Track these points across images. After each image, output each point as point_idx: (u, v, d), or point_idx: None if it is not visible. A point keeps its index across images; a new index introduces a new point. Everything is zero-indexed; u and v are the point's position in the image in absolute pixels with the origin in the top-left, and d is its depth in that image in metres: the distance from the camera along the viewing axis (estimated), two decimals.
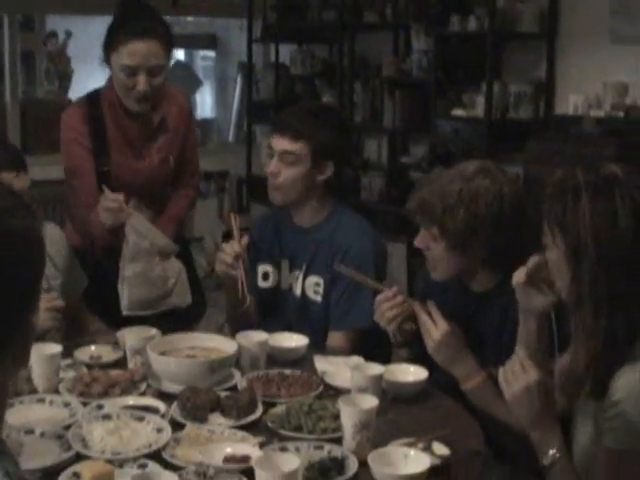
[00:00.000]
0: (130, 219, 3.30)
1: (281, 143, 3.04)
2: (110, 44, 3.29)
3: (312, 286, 3.12)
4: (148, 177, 3.44)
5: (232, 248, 2.96)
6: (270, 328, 3.01)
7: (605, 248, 1.92)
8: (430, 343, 2.57)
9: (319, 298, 3.11)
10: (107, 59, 3.32)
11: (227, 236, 3.06)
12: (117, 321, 3.21)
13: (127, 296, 3.37)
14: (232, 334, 3.03)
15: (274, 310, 3.20)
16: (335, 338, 3.04)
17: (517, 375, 2.16)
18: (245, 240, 2.99)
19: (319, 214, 3.15)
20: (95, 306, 3.33)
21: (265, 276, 3.24)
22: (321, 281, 3.10)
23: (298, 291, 3.16)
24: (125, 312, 3.35)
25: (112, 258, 3.41)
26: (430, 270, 2.69)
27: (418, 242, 2.66)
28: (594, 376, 1.96)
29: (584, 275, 1.95)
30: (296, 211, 3.17)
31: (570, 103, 5.05)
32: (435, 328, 2.56)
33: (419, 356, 2.69)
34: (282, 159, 3.03)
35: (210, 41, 8.94)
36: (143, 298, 3.38)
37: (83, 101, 3.51)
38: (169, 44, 3.35)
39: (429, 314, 2.58)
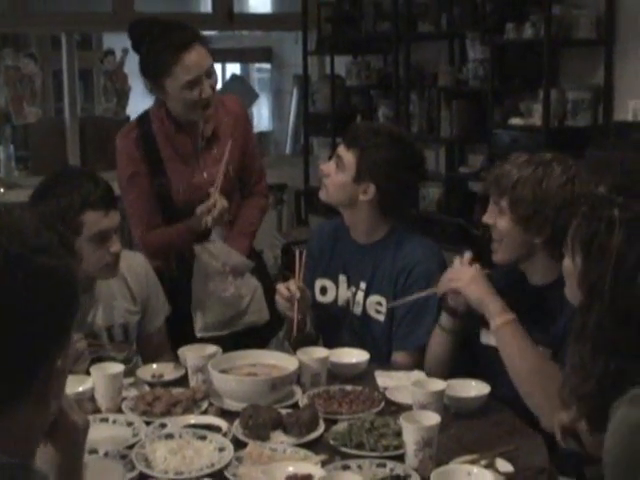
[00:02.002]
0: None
1: (340, 147, 3.13)
2: (159, 71, 3.26)
3: (374, 305, 3.11)
4: (209, 189, 3.31)
5: (286, 290, 3.00)
6: (330, 343, 3.01)
7: (620, 298, 1.88)
8: (460, 282, 2.67)
9: (381, 317, 3.10)
10: (159, 88, 3.30)
11: (286, 250, 3.06)
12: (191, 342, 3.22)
13: (200, 318, 3.37)
14: (291, 349, 3.04)
15: (333, 325, 3.20)
16: (399, 358, 3.03)
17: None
18: (300, 284, 3.02)
19: (375, 233, 3.15)
20: (169, 328, 3.29)
21: (323, 291, 3.24)
22: (383, 300, 3.09)
23: (359, 309, 3.15)
24: (199, 334, 3.36)
25: (185, 277, 3.42)
26: (493, 252, 2.72)
27: (486, 217, 2.72)
28: (585, 406, 1.94)
29: (592, 314, 1.92)
30: (350, 225, 3.20)
31: (629, 109, 4.98)
32: (464, 270, 2.69)
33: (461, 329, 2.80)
34: (335, 162, 3.11)
35: (265, 54, 8.98)
36: (217, 319, 3.38)
37: (134, 124, 3.51)
38: (206, 39, 3.34)
39: None
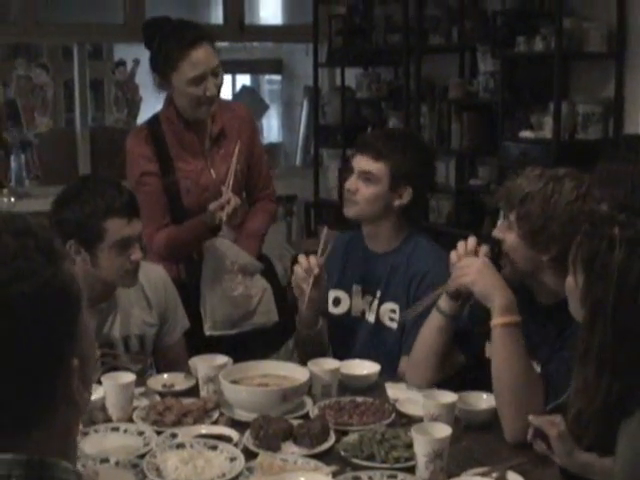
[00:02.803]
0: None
1: (362, 162, 3.10)
2: (167, 65, 3.36)
3: (387, 313, 3.12)
4: (217, 189, 3.37)
5: (306, 262, 2.98)
6: (341, 354, 3.01)
7: (623, 316, 1.88)
8: (468, 277, 2.59)
9: (394, 325, 3.10)
10: (165, 82, 3.40)
11: (296, 262, 3.06)
12: (202, 343, 3.23)
13: (210, 316, 3.40)
14: (300, 359, 3.04)
15: (345, 336, 3.20)
16: (407, 362, 3.02)
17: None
18: (321, 260, 2.99)
19: (394, 240, 3.16)
20: None
21: (336, 302, 3.24)
22: (397, 307, 3.10)
23: (372, 317, 3.15)
24: (208, 332, 3.38)
25: (194, 279, 3.44)
26: (502, 267, 2.66)
27: (496, 231, 2.68)
28: (592, 430, 1.93)
29: (595, 333, 1.91)
30: (370, 236, 3.20)
31: None
32: (470, 262, 2.61)
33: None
34: (361, 177, 3.09)
35: (276, 66, 9.00)
36: (226, 318, 3.41)
37: (144, 125, 3.61)
38: (214, 40, 3.44)
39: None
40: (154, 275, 3.15)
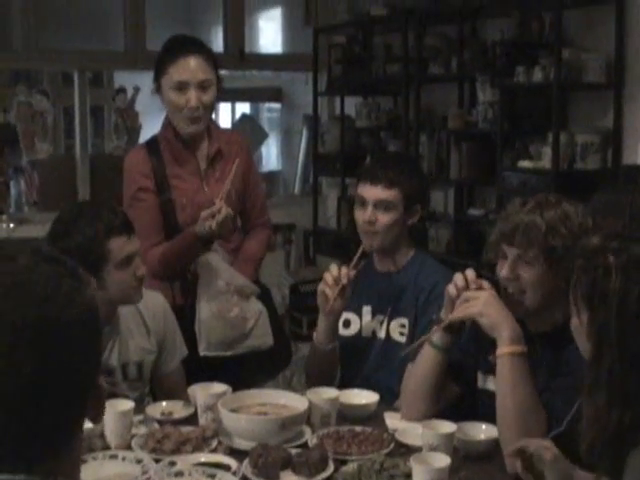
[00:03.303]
0: (207, 256, 3.39)
1: (375, 192, 3.15)
2: (160, 70, 3.44)
3: (397, 328, 3.17)
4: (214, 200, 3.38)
5: (337, 270, 3.04)
6: (351, 375, 3.02)
7: (628, 341, 1.88)
8: (475, 308, 2.56)
9: (404, 339, 3.13)
10: (158, 87, 3.47)
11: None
12: (197, 365, 3.23)
13: (204, 337, 3.40)
14: (308, 379, 3.05)
15: (356, 357, 3.21)
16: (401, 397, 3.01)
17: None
18: (351, 274, 3.04)
19: (403, 258, 3.24)
20: None
21: (346, 324, 3.27)
22: (406, 322, 3.15)
23: (382, 334, 3.18)
24: (203, 353, 3.37)
25: (189, 300, 3.44)
26: (515, 304, 2.59)
27: (507, 272, 2.58)
28: (605, 460, 1.92)
29: (603, 364, 1.91)
30: (383, 257, 3.24)
31: (639, 153, 5.00)
32: (476, 294, 2.59)
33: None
34: (377, 207, 3.14)
35: (276, 94, 9.03)
36: (220, 339, 3.40)
37: (142, 144, 3.72)
38: (214, 60, 3.52)
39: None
40: (153, 302, 3.15)
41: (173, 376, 3.17)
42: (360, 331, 3.26)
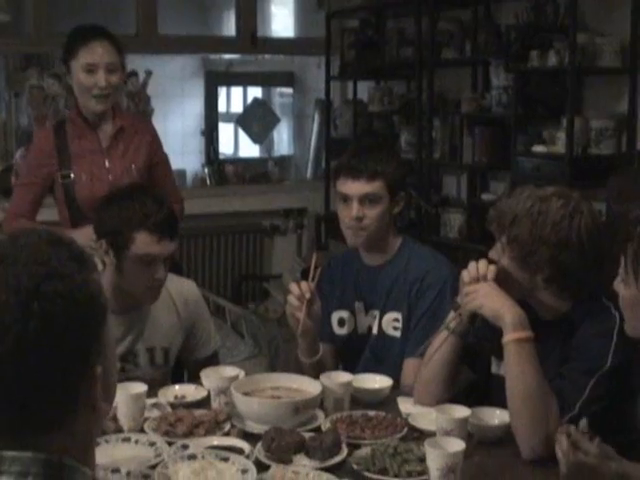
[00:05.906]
0: None
1: (357, 187, 3.04)
2: (70, 53, 3.70)
3: (390, 322, 3.11)
4: (112, 185, 3.56)
5: (297, 288, 2.93)
6: (350, 372, 3.00)
7: None
8: (476, 302, 2.57)
9: (398, 333, 3.10)
10: (68, 70, 3.74)
11: (305, 273, 3.04)
12: None
13: None
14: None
15: (355, 355, 3.18)
16: (410, 365, 3.00)
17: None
18: (312, 285, 2.94)
19: (390, 249, 3.16)
20: None
21: (341, 322, 3.22)
22: (399, 315, 3.09)
23: (376, 329, 3.15)
24: None
25: None
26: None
27: (492, 253, 2.66)
28: None
29: None
30: (369, 251, 3.16)
31: None
32: (476, 287, 2.59)
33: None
34: (362, 202, 3.03)
35: (288, 79, 8.98)
36: None
37: (51, 124, 4.07)
38: (120, 47, 3.76)
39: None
40: (186, 290, 3.20)
41: (207, 364, 3.11)
42: (356, 328, 3.21)
